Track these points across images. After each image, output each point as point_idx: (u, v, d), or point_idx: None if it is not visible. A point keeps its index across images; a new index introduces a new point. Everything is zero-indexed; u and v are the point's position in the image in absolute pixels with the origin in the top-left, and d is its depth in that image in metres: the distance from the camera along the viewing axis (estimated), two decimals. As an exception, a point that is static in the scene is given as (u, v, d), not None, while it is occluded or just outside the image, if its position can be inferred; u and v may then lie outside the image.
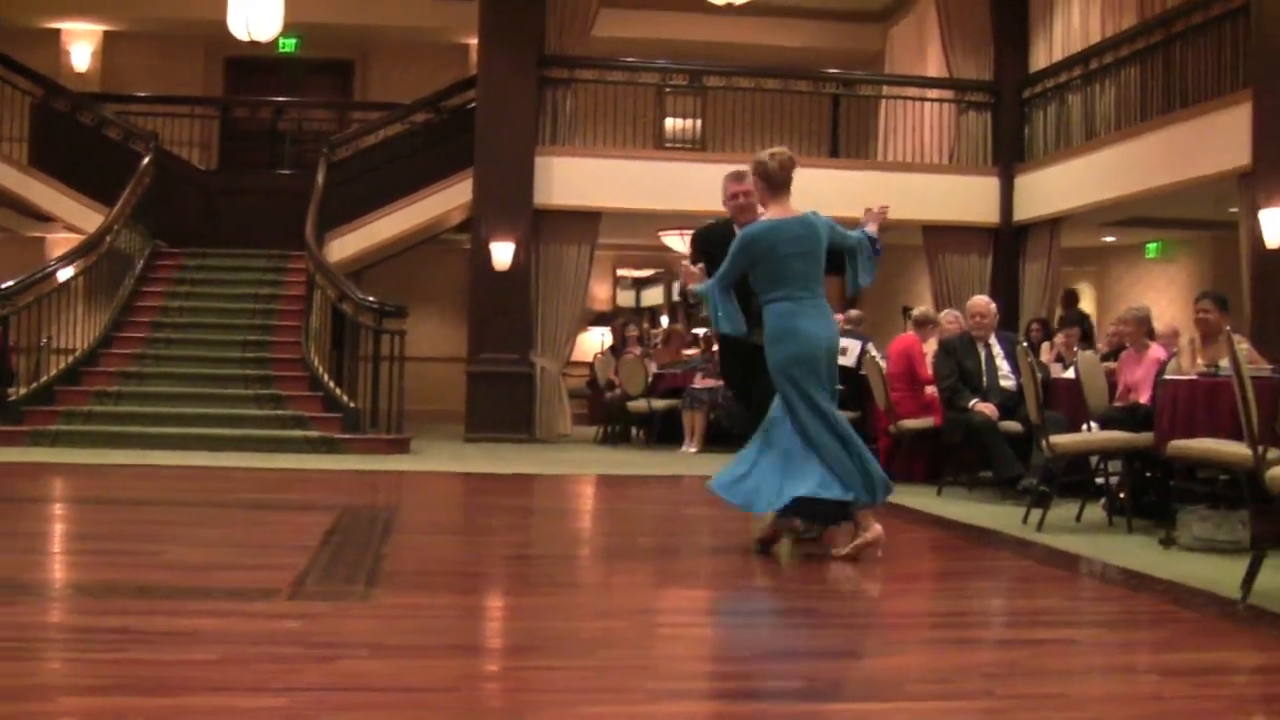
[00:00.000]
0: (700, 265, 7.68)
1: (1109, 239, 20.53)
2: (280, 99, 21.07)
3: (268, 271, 17.36)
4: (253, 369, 15.24)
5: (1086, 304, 21.48)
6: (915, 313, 13.43)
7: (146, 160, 17.45)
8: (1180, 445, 7.74)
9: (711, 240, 7.84)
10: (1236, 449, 7.11)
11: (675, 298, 21.05)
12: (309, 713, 3.99)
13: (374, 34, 21.79)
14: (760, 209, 7.61)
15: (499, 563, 7.42)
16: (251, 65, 22.07)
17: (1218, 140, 13.65)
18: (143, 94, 20.05)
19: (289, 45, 21.28)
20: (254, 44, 17.39)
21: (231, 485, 10.88)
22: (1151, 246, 20.55)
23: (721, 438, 15.96)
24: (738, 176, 7.91)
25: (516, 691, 4.42)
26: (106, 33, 21.42)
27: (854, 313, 15.74)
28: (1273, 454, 6.57)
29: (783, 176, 7.44)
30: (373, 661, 4.68)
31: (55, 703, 4.03)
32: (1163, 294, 20.00)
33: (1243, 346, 6.98)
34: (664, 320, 24.09)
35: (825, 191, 17.54)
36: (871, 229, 7.90)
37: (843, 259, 7.80)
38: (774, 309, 7.33)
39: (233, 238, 18.22)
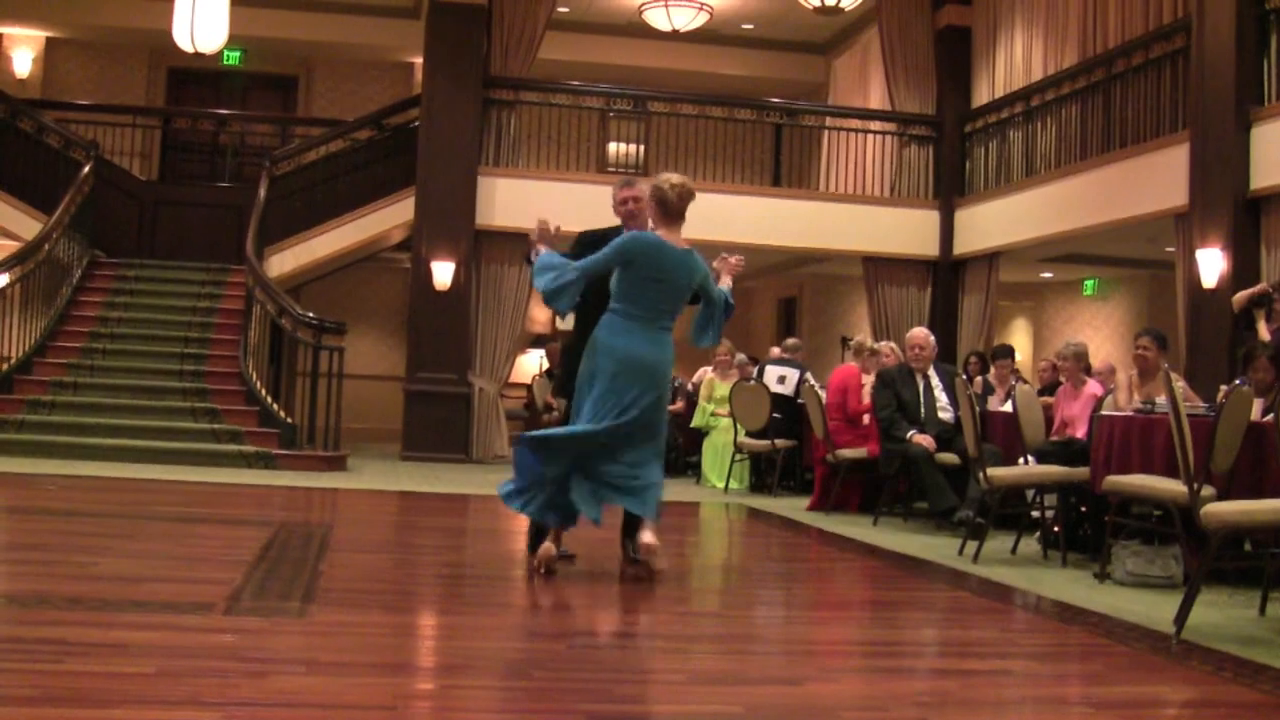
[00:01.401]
0: (558, 230, 7.65)
1: (1047, 275, 20.70)
2: (223, 111, 20.95)
3: (206, 284, 17.23)
4: (189, 382, 15.14)
5: (1022, 338, 21.66)
6: (854, 342, 13.50)
7: (86, 169, 17.32)
8: (1115, 480, 7.81)
9: (591, 246, 7.77)
10: (1171, 485, 7.19)
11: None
12: (243, 728, 3.97)
13: (318, 50, 21.73)
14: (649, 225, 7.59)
15: (433, 582, 7.39)
16: (195, 77, 21.98)
17: (1155, 180, 13.80)
18: (84, 102, 19.95)
19: (233, 58, 21.23)
20: (198, 56, 17.27)
21: (166, 498, 10.80)
22: (1088, 283, 20.73)
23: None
24: (628, 183, 7.95)
25: (450, 711, 4.41)
26: (49, 39, 21.27)
27: (791, 341, 15.83)
28: (1206, 491, 6.64)
29: (679, 207, 7.47)
30: (308, 678, 4.66)
31: (-15, 712, 3.99)
32: (1098, 331, 20.17)
33: (1179, 384, 7.05)
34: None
35: (767, 220, 17.84)
36: (725, 282, 7.88)
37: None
38: (609, 319, 7.37)
39: (171, 249, 18.10)
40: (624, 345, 7.27)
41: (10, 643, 4.97)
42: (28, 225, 16.85)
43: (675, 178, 7.51)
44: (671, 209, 7.44)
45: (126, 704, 4.13)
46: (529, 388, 20.24)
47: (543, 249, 7.53)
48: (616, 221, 7.94)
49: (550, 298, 7.37)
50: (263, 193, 17.30)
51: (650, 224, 7.56)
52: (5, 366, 15.01)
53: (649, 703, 4.73)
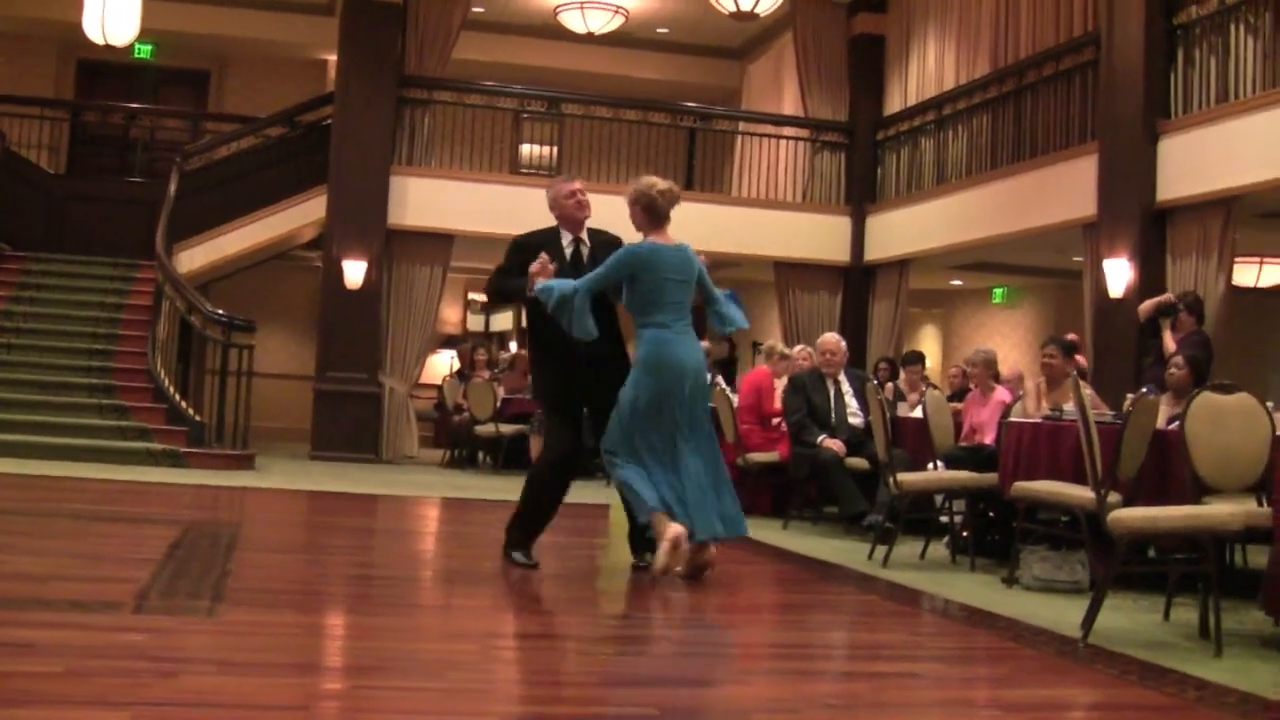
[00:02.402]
0: (548, 262, 7.66)
1: (956, 282, 20.87)
2: (134, 105, 20.71)
3: (115, 280, 17.04)
4: (96, 378, 14.95)
5: (931, 345, 21.82)
6: (764, 346, 13.55)
7: (-7, 161, 17.11)
8: (1024, 486, 7.90)
9: (531, 248, 7.80)
10: (1079, 491, 7.28)
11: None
12: (154, 728, 3.93)
13: (231, 45, 21.55)
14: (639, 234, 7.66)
15: (344, 582, 7.36)
16: (105, 70, 21.72)
17: (1064, 190, 13.96)
18: (-10, 93, 19.69)
19: (145, 52, 21.03)
20: (109, 48, 17.13)
21: (71, 495, 10.66)
22: (998, 291, 20.92)
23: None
24: (569, 179, 8.06)
25: (363, 711, 4.38)
26: (-45, 29, 20.99)
27: (704, 344, 15.82)
28: (1113, 497, 6.72)
29: (667, 210, 7.65)
30: (219, 677, 4.63)
31: (-111, 712, 3.93)
32: (1007, 338, 20.36)
33: (1086, 392, 7.14)
34: (513, 345, 24.06)
35: (679, 223, 17.72)
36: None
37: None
38: (648, 335, 7.46)
39: (80, 244, 17.87)
40: (679, 356, 7.54)
41: (-86, 640, 4.91)
42: (-69, 217, 16.62)
43: (661, 183, 7.68)
44: (660, 213, 7.63)
45: (35, 704, 4.07)
46: (440, 388, 20.19)
47: (540, 283, 7.52)
48: (543, 223, 7.98)
49: (573, 329, 7.40)
50: (172, 188, 17.12)
51: (637, 229, 7.69)
52: (-93, 360, 14.79)
53: (564, 704, 4.72)
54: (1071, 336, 10.53)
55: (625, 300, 7.58)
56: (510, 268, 7.87)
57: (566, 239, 7.95)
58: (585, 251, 7.94)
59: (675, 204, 7.70)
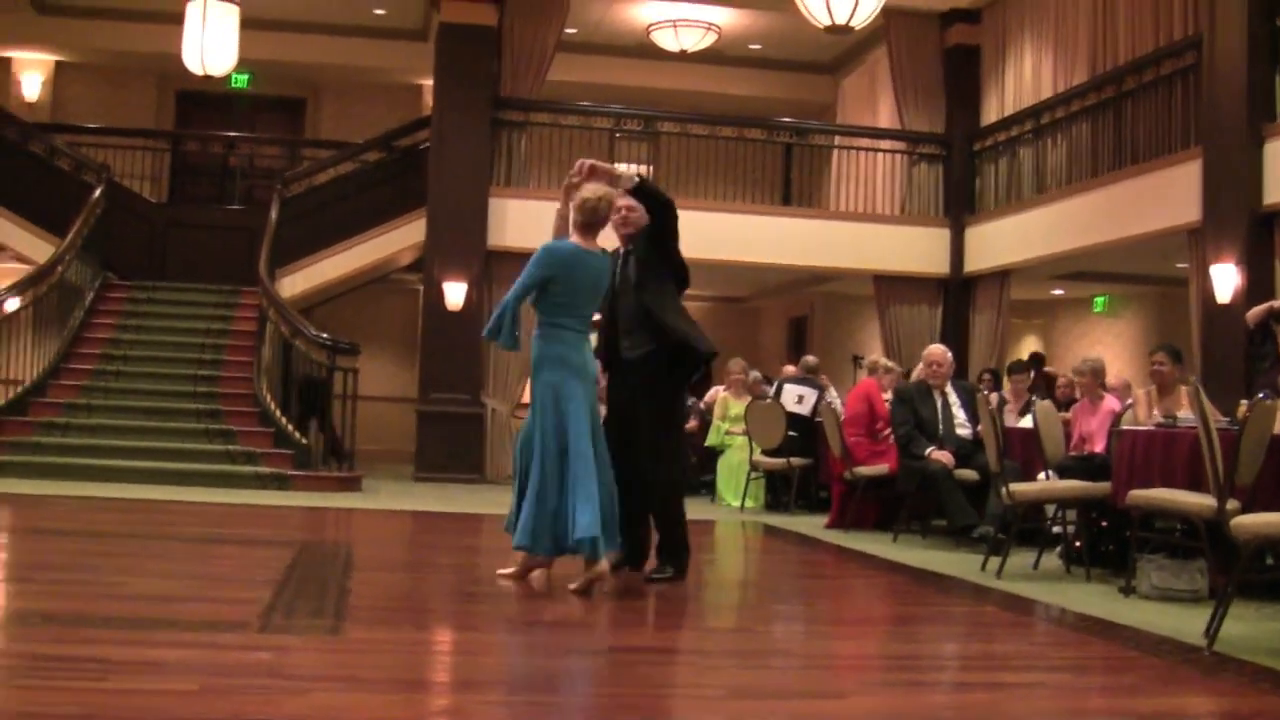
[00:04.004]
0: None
1: (1057, 292, 20.72)
2: (232, 134, 20.99)
3: (218, 306, 17.28)
4: (203, 403, 15.15)
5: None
6: (867, 361, 13.53)
7: (98, 192, 17.37)
8: (1140, 495, 7.81)
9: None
10: (1197, 499, 7.19)
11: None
12: (292, 743, 3.98)
13: (326, 72, 21.76)
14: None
15: (458, 599, 7.37)
16: (203, 100, 21.98)
17: (1167, 197, 13.81)
18: (93, 125, 19.97)
19: (241, 81, 21.26)
20: (206, 79, 17.35)
21: (184, 519, 10.80)
22: (1099, 300, 20.75)
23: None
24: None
25: (496, 726, 4.42)
26: (58, 63, 21.29)
27: (810, 360, 15.82)
28: (1232, 504, 6.65)
29: (602, 220, 7.65)
30: (348, 694, 4.68)
31: (34, 729, 4.00)
32: (1109, 347, 20.16)
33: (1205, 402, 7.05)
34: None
35: (777, 239, 17.87)
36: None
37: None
38: (568, 337, 7.51)
39: (181, 271, 18.16)
40: (584, 361, 7.57)
41: (52, 661, 4.98)
42: (40, 248, 16.90)
43: (602, 191, 7.60)
44: (595, 222, 7.62)
45: (174, 720, 4.14)
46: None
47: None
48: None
49: (507, 344, 7.52)
50: (274, 214, 17.34)
51: (572, 233, 7.66)
52: (19, 390, 15.02)
53: (693, 716, 4.73)
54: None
55: (536, 300, 7.53)
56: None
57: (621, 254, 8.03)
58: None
59: (610, 214, 7.72)
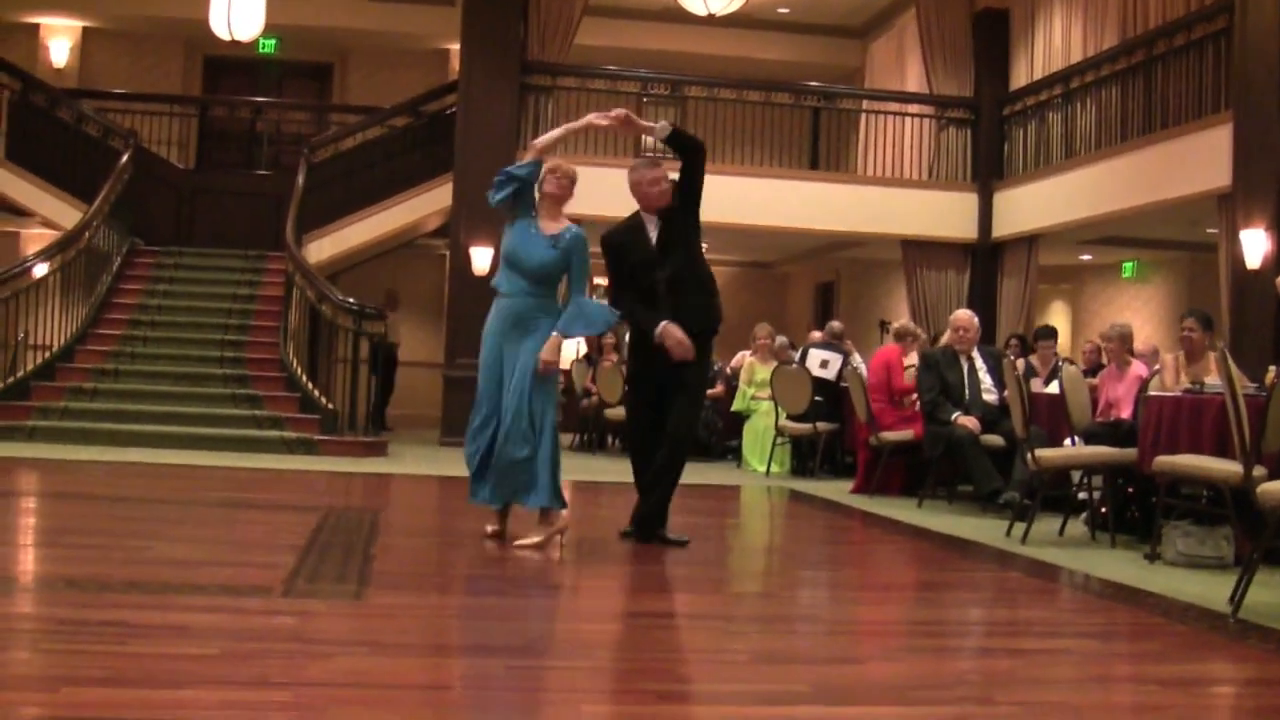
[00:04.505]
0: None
1: (1086, 257, 20.62)
2: (259, 99, 21.01)
3: (245, 272, 17.30)
4: (230, 368, 15.18)
5: (1061, 321, 21.58)
6: (895, 326, 13.48)
7: (125, 157, 17.39)
8: (1166, 461, 7.77)
9: (618, 246, 8.18)
10: (1223, 465, 7.15)
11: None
12: (314, 707, 3.98)
13: (354, 37, 21.72)
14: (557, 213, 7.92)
15: (483, 564, 7.34)
16: (230, 65, 21.98)
17: (1198, 162, 13.71)
18: (121, 91, 19.99)
19: (269, 46, 21.22)
20: (234, 44, 17.31)
21: (210, 484, 10.83)
22: (1127, 266, 20.64)
23: (698, 448, 16.00)
24: (654, 163, 8.24)
25: (518, 690, 4.41)
26: (85, 29, 21.29)
27: (835, 325, 15.78)
28: (1259, 471, 6.61)
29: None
30: (371, 659, 4.68)
31: (57, 693, 4.00)
32: (1138, 313, 20.05)
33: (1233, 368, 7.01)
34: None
35: (804, 204, 17.81)
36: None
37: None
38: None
39: (209, 237, 18.19)
40: None
41: (75, 625, 5.00)
42: (68, 214, 16.92)
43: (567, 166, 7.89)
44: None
45: (196, 684, 4.15)
46: (568, 373, 20.25)
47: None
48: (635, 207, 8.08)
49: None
50: (301, 180, 17.34)
51: (551, 208, 7.90)
52: (47, 355, 15.07)
53: (716, 682, 4.72)
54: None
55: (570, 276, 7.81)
56: (621, 280, 8.12)
57: (651, 222, 7.99)
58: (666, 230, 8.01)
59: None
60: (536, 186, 7.82)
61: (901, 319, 15.10)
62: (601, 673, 4.74)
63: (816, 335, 16.19)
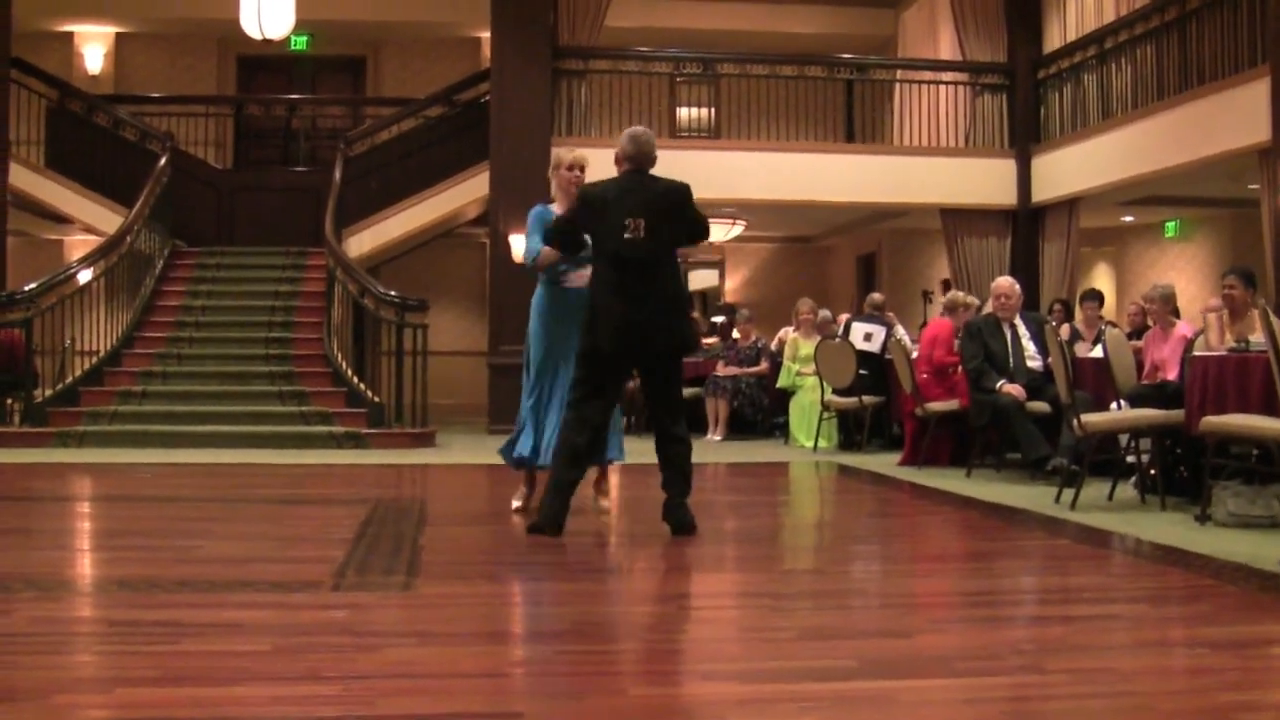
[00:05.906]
0: None
1: (1127, 218, 20.52)
2: (293, 96, 21.07)
3: (286, 269, 17.37)
4: (276, 365, 15.26)
5: (1105, 283, 21.47)
6: (947, 297, 13.44)
7: (163, 160, 17.47)
8: (1214, 421, 7.73)
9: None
10: (1272, 423, 7.12)
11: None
12: (363, 700, 3.99)
13: (385, 29, 21.77)
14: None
15: (530, 551, 7.33)
16: (264, 63, 22.04)
17: (1236, 117, 13.61)
18: (156, 94, 20.07)
19: (300, 43, 21.27)
20: (266, 42, 17.34)
21: (260, 481, 10.92)
22: (1170, 225, 20.52)
23: (744, 425, 16.01)
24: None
25: (566, 675, 4.43)
26: (118, 34, 21.41)
27: (876, 297, 15.74)
28: (1308, 428, 6.57)
29: None
30: (420, 649, 4.72)
31: (111, 694, 4.05)
32: (1181, 272, 19.96)
33: (1276, 322, 6.95)
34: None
35: (842, 177, 17.77)
36: None
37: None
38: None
39: (249, 235, 18.27)
40: None
41: (127, 625, 5.05)
42: (109, 219, 17.03)
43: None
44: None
45: (248, 681, 4.19)
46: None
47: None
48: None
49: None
50: (338, 174, 17.39)
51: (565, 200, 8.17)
52: (94, 360, 15.18)
53: (761, 660, 4.72)
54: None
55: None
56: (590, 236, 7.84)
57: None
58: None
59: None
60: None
61: (953, 289, 15.02)
62: (649, 655, 4.75)
63: (844, 317, 16.19)
